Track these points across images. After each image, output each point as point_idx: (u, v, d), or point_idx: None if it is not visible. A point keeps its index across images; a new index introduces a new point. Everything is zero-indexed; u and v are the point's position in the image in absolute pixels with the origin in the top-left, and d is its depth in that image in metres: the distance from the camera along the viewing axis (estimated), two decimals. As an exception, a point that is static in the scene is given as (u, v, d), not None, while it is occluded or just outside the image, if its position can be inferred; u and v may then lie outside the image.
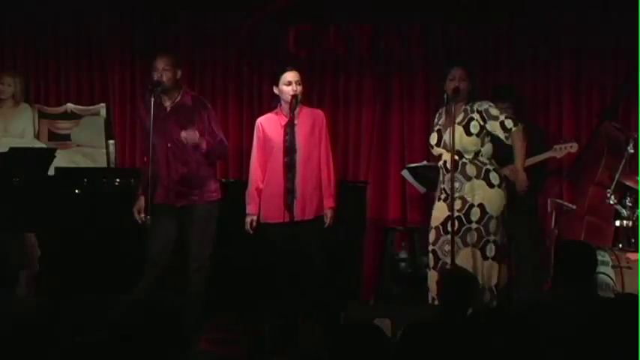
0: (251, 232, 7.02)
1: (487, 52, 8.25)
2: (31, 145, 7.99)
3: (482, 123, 6.65)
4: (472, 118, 6.67)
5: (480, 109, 6.68)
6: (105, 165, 8.33)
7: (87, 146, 8.41)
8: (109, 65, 8.68)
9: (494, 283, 6.59)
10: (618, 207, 7.26)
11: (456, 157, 6.59)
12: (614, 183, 7.23)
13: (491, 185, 6.65)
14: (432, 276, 6.60)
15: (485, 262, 6.59)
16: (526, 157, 6.74)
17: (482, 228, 6.60)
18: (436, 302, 6.28)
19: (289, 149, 6.88)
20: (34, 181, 7.15)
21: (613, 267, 6.96)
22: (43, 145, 8.11)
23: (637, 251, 6.99)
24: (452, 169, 6.57)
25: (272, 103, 7.17)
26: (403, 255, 8.14)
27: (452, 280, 5.47)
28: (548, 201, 7.65)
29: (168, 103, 6.91)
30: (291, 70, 6.96)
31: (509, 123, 6.64)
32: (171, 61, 6.89)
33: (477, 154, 6.68)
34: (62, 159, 7.91)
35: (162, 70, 6.84)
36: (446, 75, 6.69)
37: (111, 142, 8.43)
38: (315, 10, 8.41)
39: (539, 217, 7.85)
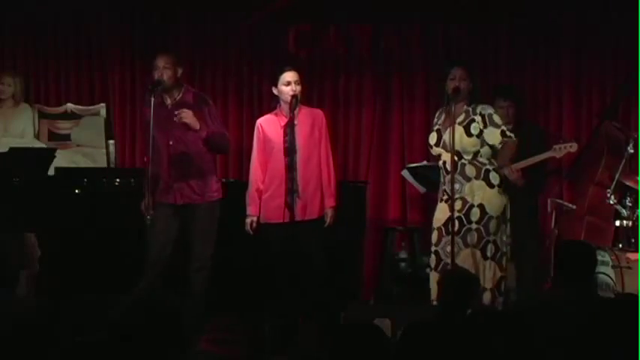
0: (251, 233, 7.03)
1: (487, 52, 8.25)
2: (31, 145, 7.99)
3: (482, 127, 6.64)
4: (473, 120, 6.65)
5: (483, 112, 6.66)
6: (105, 165, 8.33)
7: (87, 146, 8.42)
8: (109, 65, 8.69)
9: (496, 284, 6.59)
10: (618, 207, 7.26)
11: (455, 158, 6.59)
12: (614, 183, 7.23)
13: (491, 185, 6.64)
14: (434, 277, 6.57)
15: (485, 263, 6.58)
16: (513, 161, 6.72)
17: (482, 228, 6.59)
18: (435, 303, 6.28)
19: (289, 150, 6.88)
20: (34, 181, 7.15)
21: (613, 267, 6.96)
22: (43, 145, 8.11)
23: (637, 251, 6.99)
24: (452, 170, 6.57)
25: (272, 103, 7.17)
26: (403, 255, 8.13)
27: (452, 281, 5.47)
28: (548, 201, 7.64)
29: (169, 102, 6.92)
30: (289, 70, 6.96)
31: (509, 133, 6.65)
32: (172, 60, 6.90)
33: (476, 154, 6.67)
34: (62, 159, 7.92)
35: (163, 69, 6.84)
36: (446, 75, 6.68)
37: (111, 142, 8.43)
38: (315, 10, 8.41)
39: (539, 217, 7.85)
